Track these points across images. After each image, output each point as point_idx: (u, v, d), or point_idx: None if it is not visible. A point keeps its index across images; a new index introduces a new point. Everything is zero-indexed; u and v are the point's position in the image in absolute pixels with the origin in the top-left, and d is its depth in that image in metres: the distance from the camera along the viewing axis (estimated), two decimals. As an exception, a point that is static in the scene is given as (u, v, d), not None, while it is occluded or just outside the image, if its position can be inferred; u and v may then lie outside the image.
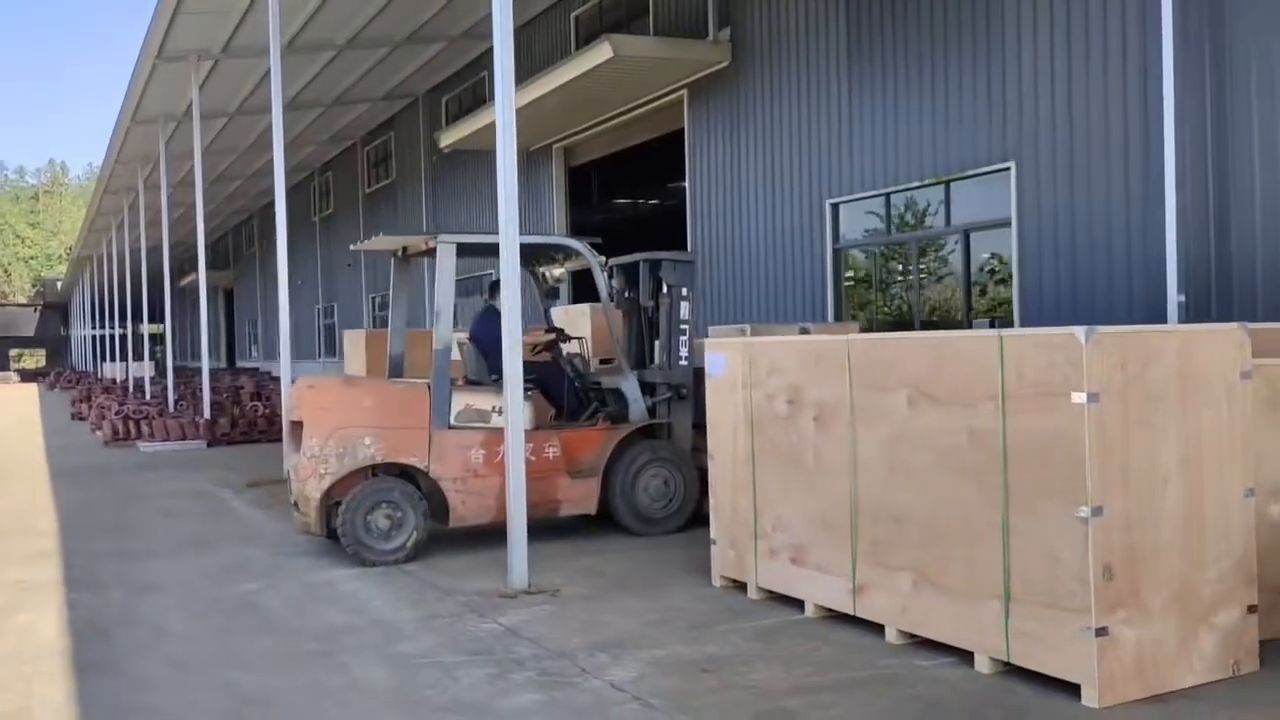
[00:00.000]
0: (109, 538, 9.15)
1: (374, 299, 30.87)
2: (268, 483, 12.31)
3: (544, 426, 8.37)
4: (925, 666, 5.00)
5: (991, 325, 11.28)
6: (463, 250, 8.36)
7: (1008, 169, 10.71)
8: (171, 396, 22.78)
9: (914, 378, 5.19)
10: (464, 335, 9.24)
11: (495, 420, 7.97)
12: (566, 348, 9.22)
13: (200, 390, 19.29)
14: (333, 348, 34.22)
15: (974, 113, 11.05)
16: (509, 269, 6.91)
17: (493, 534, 8.02)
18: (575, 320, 10.72)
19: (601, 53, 14.13)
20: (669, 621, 5.92)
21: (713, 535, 6.72)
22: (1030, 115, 10.45)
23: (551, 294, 9.77)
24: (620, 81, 15.72)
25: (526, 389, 8.26)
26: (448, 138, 20.02)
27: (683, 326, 8.71)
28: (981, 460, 4.84)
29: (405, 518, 7.66)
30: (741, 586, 6.50)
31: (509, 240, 6.92)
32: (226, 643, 5.83)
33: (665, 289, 8.71)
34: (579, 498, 8.23)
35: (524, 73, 19.92)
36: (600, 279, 8.62)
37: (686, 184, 16.00)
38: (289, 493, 8.13)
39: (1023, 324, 10.59)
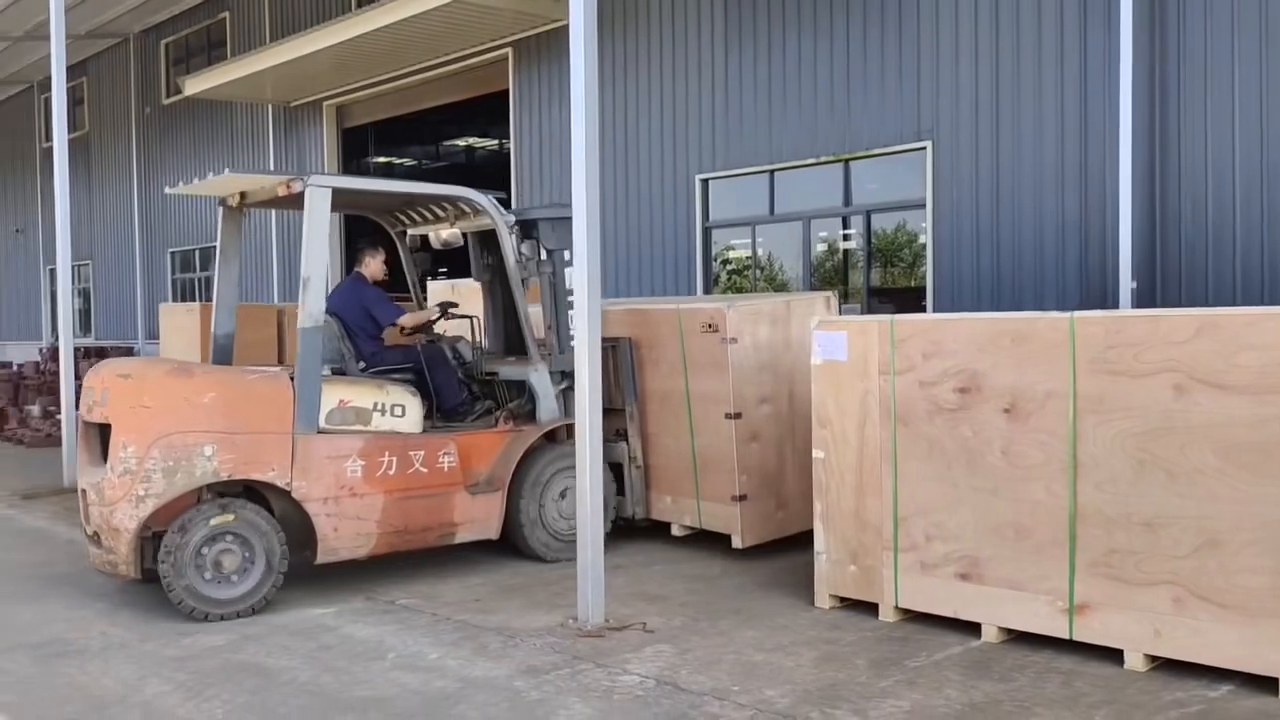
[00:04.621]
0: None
1: (52, 270, 26.62)
2: (48, 494, 9.83)
3: (435, 429, 6.65)
4: (1215, 697, 4.31)
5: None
6: (339, 200, 6.47)
7: (923, 149, 10.37)
8: None
9: (1184, 362, 4.47)
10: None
11: (378, 421, 6.26)
12: (443, 328, 7.64)
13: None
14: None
15: (881, 87, 10.61)
16: (585, 229, 5.48)
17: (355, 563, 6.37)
18: (466, 297, 9.13)
19: (440, -7, 12.46)
20: (838, 658, 4.87)
21: (819, 547, 5.71)
22: (949, 93, 10.13)
23: (423, 261, 7.99)
24: (433, 34, 14.09)
25: (404, 379, 6.73)
26: (195, 85, 17.30)
27: (570, 299, 7.08)
28: (1303, 458, 4.19)
29: (256, 553, 5.75)
30: (863, 607, 5.55)
31: (586, 191, 5.48)
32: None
33: (545, 255, 7.13)
34: (480, 518, 6.52)
35: (292, 20, 17.66)
36: (507, 243, 6.92)
37: (512, 152, 14.61)
38: (84, 521, 5.92)
39: (936, 309, 10.30)
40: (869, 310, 10.98)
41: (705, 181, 12.32)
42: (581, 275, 5.47)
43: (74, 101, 25.04)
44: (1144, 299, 8.94)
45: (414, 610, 5.78)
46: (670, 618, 5.55)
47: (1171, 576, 4.53)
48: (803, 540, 6.74)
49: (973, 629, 5.13)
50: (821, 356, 5.66)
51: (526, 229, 7.10)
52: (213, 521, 5.64)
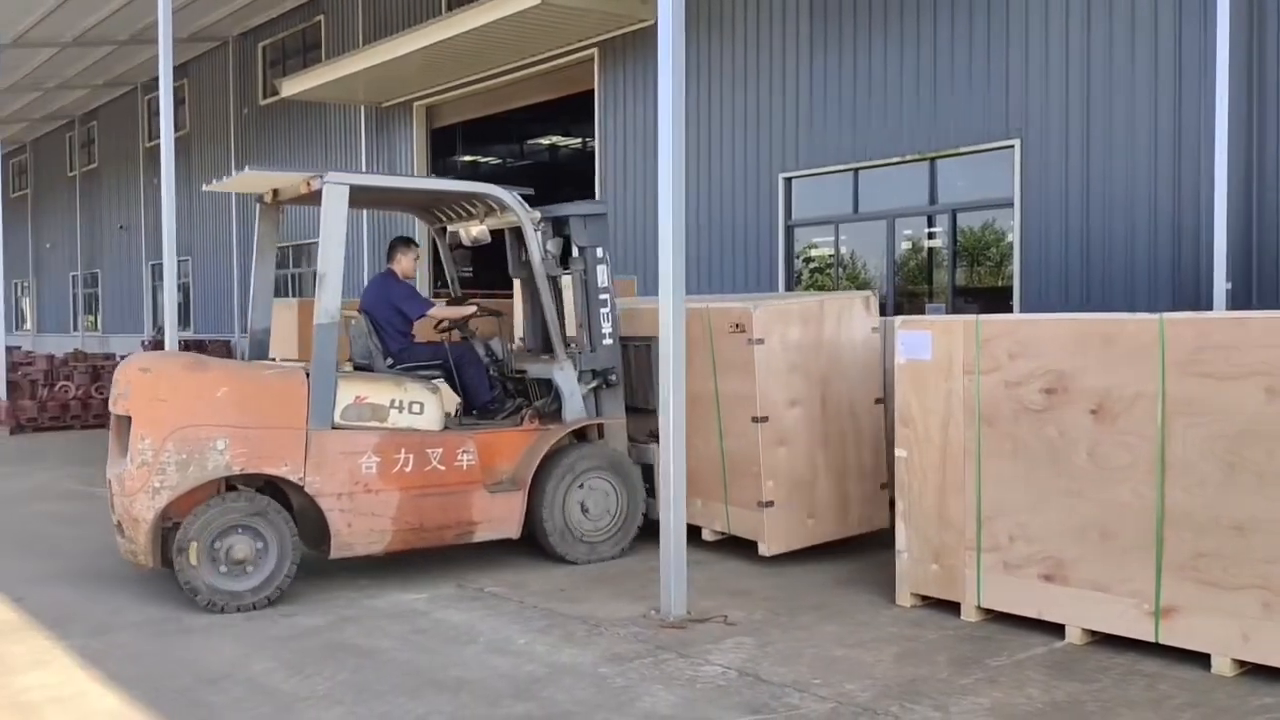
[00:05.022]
0: (28, 559, 7.09)
1: (153, 266, 27.58)
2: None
3: (455, 427, 6.61)
4: (1307, 704, 4.27)
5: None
6: (357, 198, 6.48)
7: (1011, 147, 10.27)
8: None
9: (1275, 365, 4.42)
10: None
11: (395, 418, 6.23)
12: (480, 327, 7.57)
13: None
14: (97, 319, 30.48)
15: (969, 85, 10.53)
16: (671, 227, 5.59)
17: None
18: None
19: (529, -5, 12.68)
20: (918, 655, 4.92)
21: (900, 546, 5.75)
22: (1039, 90, 10.01)
23: (462, 258, 8.01)
24: (521, 35, 14.31)
25: (432, 376, 6.77)
26: (291, 87, 17.82)
27: (602, 296, 6.99)
28: (1399, 463, 4.14)
29: (268, 547, 5.81)
30: (944, 605, 5.58)
31: (672, 184, 5.58)
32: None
33: (576, 252, 7.02)
34: (499, 517, 6.46)
35: (385, 23, 18.11)
36: (532, 240, 6.81)
37: (597, 151, 14.79)
38: (111, 510, 6.01)
39: (1023, 309, 10.20)
40: (954, 309, 10.92)
41: (788, 180, 12.34)
42: (667, 272, 5.59)
43: (175, 102, 25.85)
44: (1239, 300, 8.76)
45: (502, 598, 5.96)
46: (750, 611, 5.64)
47: (1262, 581, 4.49)
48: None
49: (1056, 630, 5.13)
50: (905, 356, 5.69)
51: (559, 226, 7.04)
52: (225, 515, 5.72)
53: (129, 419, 5.79)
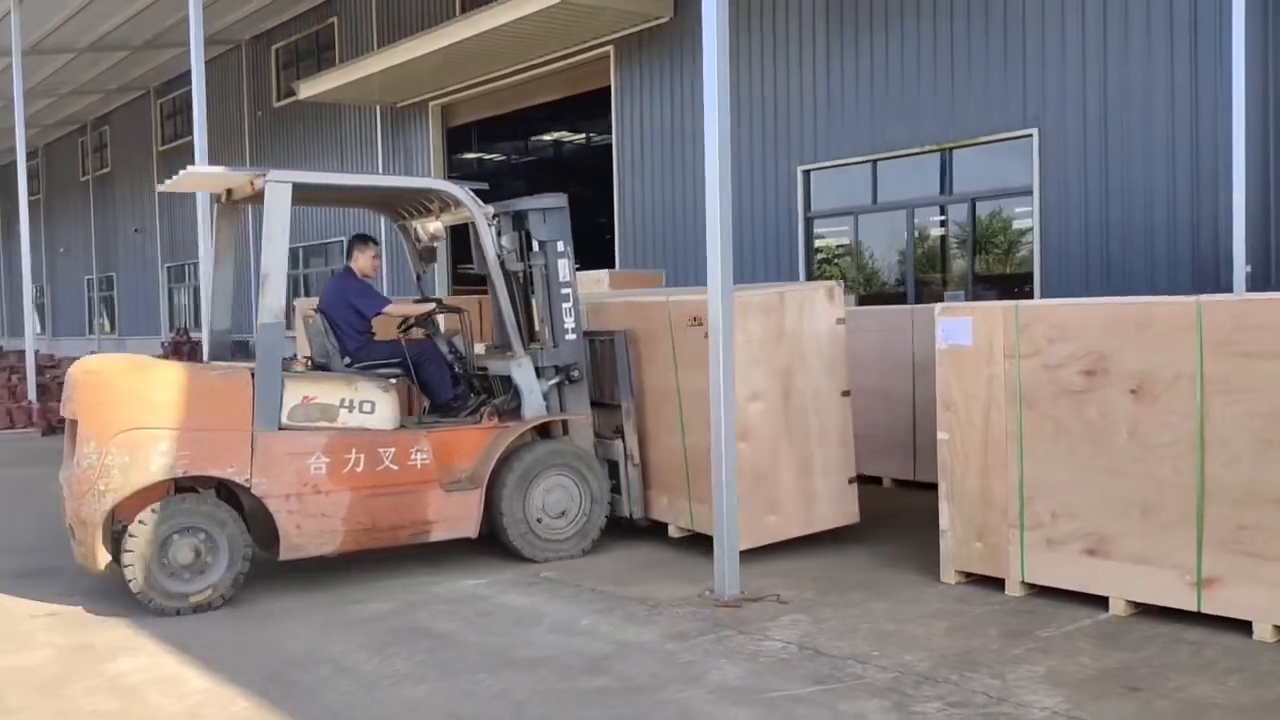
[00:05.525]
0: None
1: (169, 268, 27.80)
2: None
3: (410, 425, 6.62)
4: (1347, 666, 4.47)
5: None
6: (302, 196, 6.49)
7: (1029, 135, 10.46)
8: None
9: (1312, 343, 4.62)
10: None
11: (346, 418, 6.19)
12: (444, 324, 7.56)
13: (22, 371, 16.49)
14: (113, 322, 30.72)
15: (986, 75, 10.72)
16: (718, 222, 5.77)
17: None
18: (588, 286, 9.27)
19: (548, -6, 12.88)
20: (970, 629, 5.12)
21: (944, 525, 5.95)
22: (1056, 78, 10.20)
23: (427, 255, 7.73)
24: (538, 34, 14.51)
25: (392, 375, 6.80)
26: (308, 89, 18.05)
27: (564, 291, 6.91)
28: None
29: (218, 549, 5.79)
30: (988, 582, 5.78)
31: (719, 176, 5.77)
32: (477, 694, 4.55)
33: (536, 246, 6.96)
34: (456, 517, 6.40)
35: (398, 24, 18.28)
36: (486, 235, 6.76)
37: (614, 146, 14.99)
38: (63, 513, 6.03)
39: (1044, 294, 10.39)
40: (974, 297, 11.11)
41: (807, 172, 12.54)
42: (715, 266, 5.77)
43: (186, 105, 26.11)
44: (1258, 283, 8.95)
45: (559, 582, 6.16)
46: (800, 591, 5.84)
47: (1300, 550, 4.69)
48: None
49: (1099, 602, 5.32)
50: (946, 342, 5.89)
51: (519, 220, 6.99)
52: (173, 516, 5.70)
53: (76, 422, 5.82)
